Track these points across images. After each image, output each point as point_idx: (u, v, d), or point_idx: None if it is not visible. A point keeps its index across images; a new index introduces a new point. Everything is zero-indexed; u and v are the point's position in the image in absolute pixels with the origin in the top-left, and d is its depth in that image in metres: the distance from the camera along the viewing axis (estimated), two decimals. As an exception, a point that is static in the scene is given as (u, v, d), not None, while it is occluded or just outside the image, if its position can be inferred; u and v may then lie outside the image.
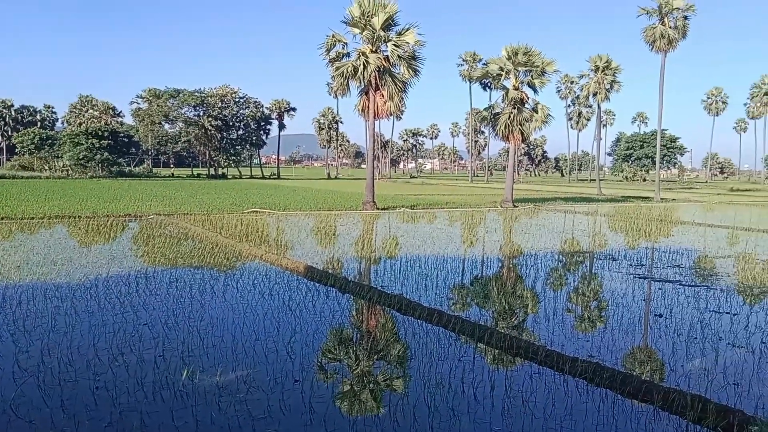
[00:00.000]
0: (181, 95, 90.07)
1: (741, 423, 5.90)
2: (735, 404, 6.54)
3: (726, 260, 17.89)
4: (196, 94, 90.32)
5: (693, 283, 13.74)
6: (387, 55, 31.66)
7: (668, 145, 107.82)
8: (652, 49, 49.49)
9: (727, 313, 10.93)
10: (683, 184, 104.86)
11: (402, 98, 32.71)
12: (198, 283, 12.68)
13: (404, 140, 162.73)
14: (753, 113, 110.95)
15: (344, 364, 8.10)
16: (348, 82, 32.15)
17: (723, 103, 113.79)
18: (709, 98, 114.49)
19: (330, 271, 13.98)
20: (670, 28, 48.43)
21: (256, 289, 12.17)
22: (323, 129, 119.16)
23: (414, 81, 32.66)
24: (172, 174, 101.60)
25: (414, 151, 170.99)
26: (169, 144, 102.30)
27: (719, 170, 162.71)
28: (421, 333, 9.23)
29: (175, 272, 13.82)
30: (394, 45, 31.37)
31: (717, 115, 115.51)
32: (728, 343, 9.08)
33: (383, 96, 31.97)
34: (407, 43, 31.57)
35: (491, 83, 39.22)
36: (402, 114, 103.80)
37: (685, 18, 48.68)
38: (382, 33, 31.30)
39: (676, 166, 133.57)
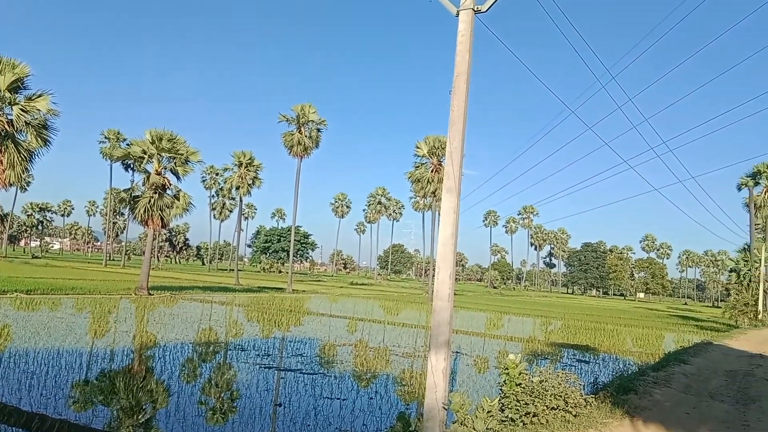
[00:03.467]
0: None
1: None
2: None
3: (344, 348, 20.01)
4: None
5: (312, 371, 14.96)
6: (11, 119, 28.04)
7: (302, 241, 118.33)
8: (290, 153, 54.69)
9: (338, 398, 12.14)
10: (313, 277, 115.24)
11: (27, 168, 29.03)
12: None
13: (28, 215, 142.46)
14: (369, 218, 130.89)
15: None
16: (-46, 143, 27.27)
17: (347, 207, 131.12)
18: (336, 202, 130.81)
19: None
20: (306, 137, 54.43)
21: None
22: None
23: (43, 151, 29.45)
24: None
25: (40, 227, 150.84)
26: None
27: (343, 265, 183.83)
28: (18, 444, 7.95)
29: None
30: (21, 109, 28.00)
31: (342, 217, 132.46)
32: (336, 428, 10.05)
33: (2, 163, 27.93)
34: (38, 110, 28.55)
35: (134, 165, 37.79)
36: (28, 185, 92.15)
37: (318, 130, 55.54)
38: (8, 94, 27.77)
39: (308, 260, 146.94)
